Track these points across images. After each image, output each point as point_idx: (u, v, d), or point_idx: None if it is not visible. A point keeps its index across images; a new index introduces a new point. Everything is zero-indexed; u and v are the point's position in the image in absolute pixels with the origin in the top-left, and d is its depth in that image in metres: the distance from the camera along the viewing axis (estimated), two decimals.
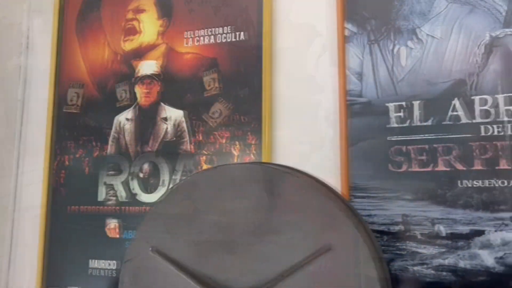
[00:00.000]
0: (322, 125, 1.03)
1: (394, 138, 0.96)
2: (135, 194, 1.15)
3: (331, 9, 1.04)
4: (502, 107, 0.90)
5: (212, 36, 1.14)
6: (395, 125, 0.96)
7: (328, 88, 1.03)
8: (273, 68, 1.08)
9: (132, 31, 1.24)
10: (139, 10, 1.24)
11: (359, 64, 1.01)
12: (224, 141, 1.09)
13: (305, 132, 1.04)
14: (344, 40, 1.02)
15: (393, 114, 0.97)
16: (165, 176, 1.13)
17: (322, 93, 1.03)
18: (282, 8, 1.10)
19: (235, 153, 1.07)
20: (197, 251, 0.65)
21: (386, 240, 0.94)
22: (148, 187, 1.15)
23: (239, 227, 0.63)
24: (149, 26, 1.22)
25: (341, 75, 1.01)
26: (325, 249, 0.60)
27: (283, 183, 0.63)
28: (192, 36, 1.16)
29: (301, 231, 0.61)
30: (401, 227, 0.93)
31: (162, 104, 1.17)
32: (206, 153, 1.10)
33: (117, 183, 1.17)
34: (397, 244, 0.93)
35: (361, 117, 0.99)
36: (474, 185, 0.90)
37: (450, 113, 0.93)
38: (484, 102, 0.91)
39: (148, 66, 1.20)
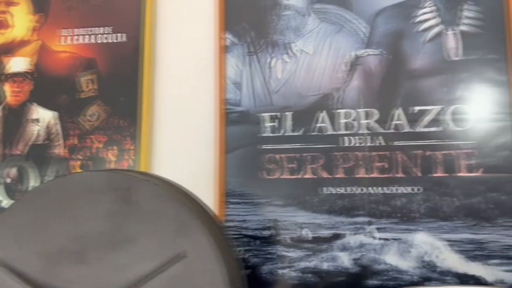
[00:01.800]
0: (200, 132, 1.04)
1: (268, 146, 1.00)
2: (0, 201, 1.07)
3: (212, 17, 1.06)
4: (362, 121, 0.98)
5: (91, 36, 1.09)
6: (269, 134, 1.01)
7: (207, 96, 1.04)
8: (154, 72, 1.07)
9: (4, 25, 1.15)
10: (11, 3, 1.15)
11: (238, 74, 1.04)
12: (100, 145, 1.05)
13: (184, 138, 1.05)
14: (224, 50, 1.04)
15: (267, 124, 1.01)
16: (33, 182, 1.05)
17: (201, 100, 1.05)
18: (164, 13, 1.10)
19: (112, 158, 1.04)
20: (47, 262, 0.62)
21: (258, 245, 0.97)
22: (15, 194, 1.06)
23: (93, 237, 0.61)
24: (21, 20, 1.13)
25: (219, 84, 1.03)
26: (179, 257, 0.60)
27: (141, 191, 0.62)
28: (70, 34, 1.11)
29: (156, 239, 0.61)
30: (271, 232, 0.98)
31: (33, 104, 1.09)
32: (80, 158, 1.05)
33: None
34: (268, 248, 0.97)
35: (238, 125, 1.02)
36: (337, 192, 0.97)
37: (316, 124, 0.99)
38: (346, 115, 0.99)
39: (19, 63, 1.12)
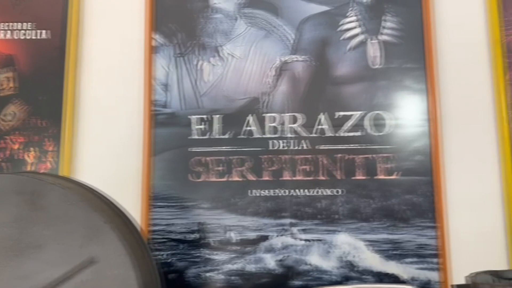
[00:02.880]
0: (126, 133, 1.02)
1: (195, 149, 1.00)
2: None
3: (141, 17, 1.04)
4: (287, 125, 1.00)
5: (9, 31, 1.04)
6: (196, 137, 1.00)
7: (134, 97, 1.02)
8: (77, 72, 1.04)
9: None
10: None
11: (166, 75, 1.03)
12: (17, 146, 1.00)
13: (109, 140, 1.02)
14: (152, 50, 1.03)
15: (195, 126, 1.00)
16: None
17: (128, 101, 1.02)
18: (91, 10, 1.06)
19: (29, 160, 0.99)
20: None
21: (183, 248, 0.97)
22: None
23: None
24: None
25: (147, 85, 1.01)
26: (88, 263, 0.58)
27: (49, 195, 0.60)
28: None
29: (64, 245, 0.59)
30: (197, 235, 0.97)
31: None
32: None
33: None
34: (194, 251, 0.97)
35: (165, 127, 1.01)
36: (262, 194, 0.98)
37: (244, 128, 1.00)
38: (273, 119, 1.00)
39: None
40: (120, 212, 0.68)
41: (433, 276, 0.94)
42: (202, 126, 1.00)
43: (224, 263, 0.96)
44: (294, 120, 1.00)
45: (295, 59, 1.02)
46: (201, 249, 0.96)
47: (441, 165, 0.97)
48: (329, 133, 1.00)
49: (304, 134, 1.00)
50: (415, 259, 0.95)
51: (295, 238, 0.96)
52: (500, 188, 0.97)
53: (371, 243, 0.96)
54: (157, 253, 0.96)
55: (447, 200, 0.96)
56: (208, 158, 0.99)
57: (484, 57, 1.03)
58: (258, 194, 0.98)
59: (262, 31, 1.03)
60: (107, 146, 1.01)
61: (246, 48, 1.03)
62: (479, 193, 0.97)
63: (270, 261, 0.95)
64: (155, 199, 0.98)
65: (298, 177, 0.98)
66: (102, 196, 0.68)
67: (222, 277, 0.95)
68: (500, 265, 0.94)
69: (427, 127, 0.99)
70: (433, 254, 0.94)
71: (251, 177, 0.98)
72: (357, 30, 1.03)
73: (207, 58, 1.02)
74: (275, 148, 0.99)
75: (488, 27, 1.03)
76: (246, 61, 1.02)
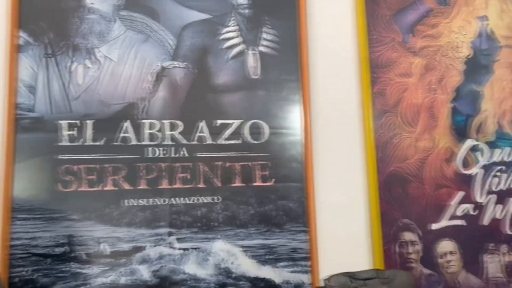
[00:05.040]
0: None
1: (65, 156, 0.93)
2: None
3: (3, 13, 0.95)
4: (166, 132, 0.98)
5: None
6: (66, 143, 0.94)
7: None
8: None
9: None
10: None
11: (32, 77, 0.95)
12: None
13: None
14: (16, 49, 0.94)
15: (64, 132, 0.94)
16: None
17: None
18: None
19: None
20: None
21: (49, 263, 0.90)
22: None
23: None
24: None
25: (9, 86, 0.92)
26: None
27: None
28: None
29: None
30: (66, 248, 0.91)
31: None
32: None
33: None
34: (61, 266, 0.90)
35: (30, 132, 0.93)
36: (138, 204, 0.95)
37: (119, 134, 0.96)
38: (151, 126, 0.98)
39: None
40: None
41: (305, 278, 0.98)
42: (72, 132, 0.94)
43: (95, 277, 0.91)
44: (173, 127, 0.99)
45: (175, 65, 1.01)
46: (70, 263, 0.90)
47: (312, 172, 1.02)
48: (208, 141, 1.00)
49: (183, 141, 0.99)
50: (289, 263, 0.99)
51: (172, 248, 0.94)
52: (364, 194, 1.06)
53: (247, 249, 0.97)
54: (18, 269, 0.87)
55: (317, 206, 1.02)
56: (79, 166, 0.93)
57: (353, 71, 1.11)
58: (133, 204, 0.94)
59: (141, 34, 1.00)
60: None
61: (124, 52, 0.99)
62: (345, 199, 1.05)
63: (145, 272, 0.92)
64: (16, 211, 0.89)
65: (177, 185, 0.97)
66: None
67: None
68: (364, 266, 1.01)
69: (300, 136, 1.04)
70: (304, 257, 0.99)
71: (126, 186, 0.95)
72: (237, 40, 1.05)
73: (80, 60, 0.97)
74: (153, 155, 0.97)
75: (357, 44, 1.11)
76: (123, 64, 0.98)
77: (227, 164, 1.00)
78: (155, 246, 0.94)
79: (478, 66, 1.15)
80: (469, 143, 1.12)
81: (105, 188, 0.94)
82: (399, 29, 1.13)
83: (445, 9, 1.16)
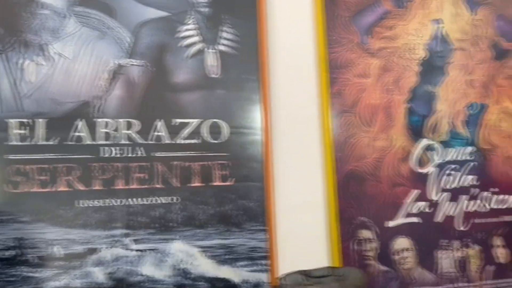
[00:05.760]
0: None
1: (14, 156, 0.90)
2: None
3: None
4: (122, 131, 0.96)
5: None
6: (15, 142, 0.90)
7: None
8: None
9: None
10: None
11: None
12: None
13: None
14: None
15: (13, 131, 0.90)
16: None
17: None
18: None
19: None
20: None
21: None
22: None
23: None
24: None
25: None
26: None
27: None
28: None
29: None
30: (15, 252, 0.87)
31: None
32: None
33: None
34: (11, 270, 0.87)
35: None
36: (92, 205, 0.92)
37: (73, 133, 0.93)
38: (106, 125, 0.96)
39: None
40: None
41: (263, 277, 0.98)
42: (22, 131, 0.91)
43: (46, 281, 0.88)
44: (129, 126, 0.97)
45: (132, 63, 0.99)
46: (19, 266, 0.87)
47: (271, 171, 1.02)
48: (165, 140, 0.98)
49: (139, 141, 0.97)
50: (247, 262, 0.98)
51: (128, 249, 0.92)
52: (323, 193, 1.07)
53: (206, 249, 0.97)
54: None
55: (276, 205, 1.02)
56: (29, 167, 0.90)
57: (312, 71, 1.12)
58: (87, 205, 0.92)
59: (96, 31, 0.97)
60: None
61: (78, 48, 0.96)
62: (304, 197, 1.05)
63: (99, 275, 0.90)
64: None
65: (133, 186, 0.95)
66: None
67: None
68: (322, 264, 1.02)
69: (260, 136, 1.04)
70: (263, 256, 0.99)
71: (80, 187, 0.92)
72: (196, 39, 1.04)
73: (32, 56, 0.93)
74: (107, 155, 0.95)
75: (316, 45, 1.12)
76: (77, 62, 0.95)
77: (186, 164, 0.99)
78: (111, 247, 0.92)
79: (433, 67, 1.19)
80: (424, 142, 1.15)
81: (58, 189, 0.91)
82: (358, 30, 1.15)
83: (402, 12, 1.19)
